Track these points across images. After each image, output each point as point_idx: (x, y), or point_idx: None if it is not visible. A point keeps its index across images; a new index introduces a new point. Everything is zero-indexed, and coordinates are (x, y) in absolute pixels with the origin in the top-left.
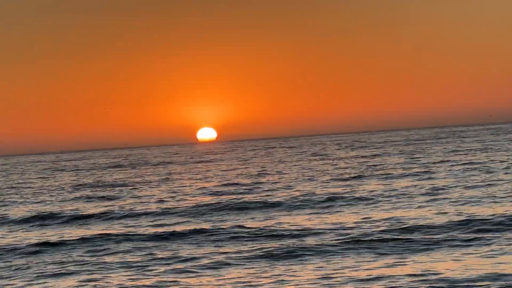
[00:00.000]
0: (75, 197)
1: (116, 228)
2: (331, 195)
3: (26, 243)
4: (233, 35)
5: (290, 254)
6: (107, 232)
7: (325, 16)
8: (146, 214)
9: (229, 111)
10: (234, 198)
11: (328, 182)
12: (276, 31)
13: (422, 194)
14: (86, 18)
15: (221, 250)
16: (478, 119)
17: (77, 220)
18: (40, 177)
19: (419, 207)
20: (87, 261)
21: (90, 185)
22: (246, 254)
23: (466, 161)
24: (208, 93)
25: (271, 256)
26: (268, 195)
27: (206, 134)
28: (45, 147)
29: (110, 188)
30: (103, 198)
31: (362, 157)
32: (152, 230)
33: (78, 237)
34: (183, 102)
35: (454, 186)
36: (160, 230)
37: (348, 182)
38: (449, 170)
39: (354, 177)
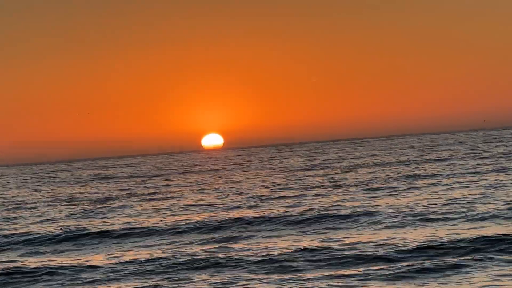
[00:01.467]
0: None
1: None
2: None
3: None
4: (240, 37)
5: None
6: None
7: (336, 18)
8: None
9: (236, 115)
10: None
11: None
12: (286, 34)
13: None
14: (79, 16)
15: None
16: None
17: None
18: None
19: None
20: None
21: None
22: None
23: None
24: (213, 97)
25: None
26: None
27: (212, 140)
28: (39, 157)
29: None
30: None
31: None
32: None
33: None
34: (186, 107)
35: None
36: None
37: None
38: None
39: None
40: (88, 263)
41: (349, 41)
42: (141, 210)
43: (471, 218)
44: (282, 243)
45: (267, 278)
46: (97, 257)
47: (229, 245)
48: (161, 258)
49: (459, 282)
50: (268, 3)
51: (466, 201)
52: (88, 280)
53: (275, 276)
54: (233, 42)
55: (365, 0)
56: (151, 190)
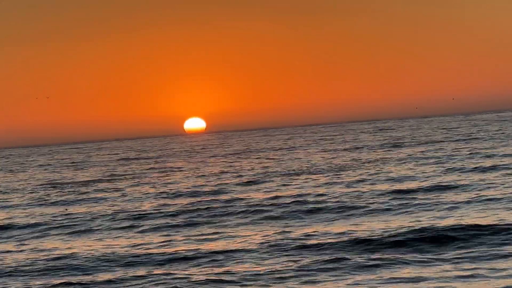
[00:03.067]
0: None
1: None
2: None
3: None
4: (223, 18)
5: None
6: None
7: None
8: None
9: (218, 99)
10: None
11: None
12: (270, 16)
13: None
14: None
15: None
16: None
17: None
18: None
19: None
20: None
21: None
22: None
23: None
24: (196, 80)
25: None
26: None
27: (194, 124)
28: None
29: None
30: None
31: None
32: None
33: None
34: (168, 90)
35: None
36: None
37: None
38: None
39: None
40: None
41: (332, 25)
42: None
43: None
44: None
45: None
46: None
47: None
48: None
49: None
50: None
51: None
52: None
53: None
54: (216, 24)
55: None
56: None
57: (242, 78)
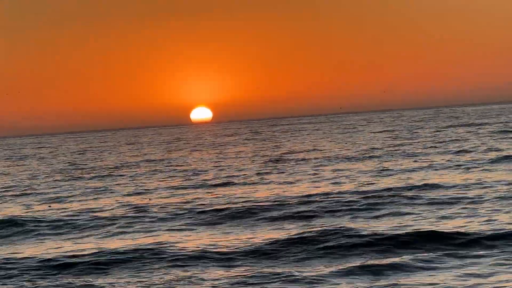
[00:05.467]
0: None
1: None
2: None
3: None
4: (231, 8)
5: None
6: None
7: None
8: None
9: (225, 88)
10: None
11: None
12: (279, 7)
13: None
14: None
15: None
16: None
17: None
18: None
19: None
20: None
21: None
22: None
23: None
24: (202, 69)
25: None
26: None
27: (201, 114)
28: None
29: None
30: None
31: None
32: None
33: None
34: (174, 79)
35: None
36: None
37: None
38: None
39: None
40: None
41: (339, 16)
42: None
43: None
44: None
45: None
46: None
47: None
48: None
49: None
50: None
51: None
52: None
53: None
54: (224, 14)
55: None
56: None
57: (249, 67)
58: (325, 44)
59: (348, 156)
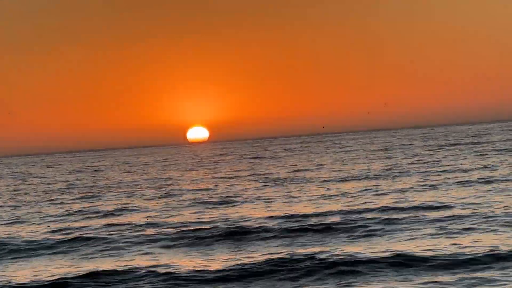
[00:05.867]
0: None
1: None
2: None
3: None
4: (227, 26)
5: None
6: None
7: (319, 11)
8: None
9: (221, 108)
10: None
11: None
12: (272, 28)
13: None
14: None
15: None
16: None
17: None
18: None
19: None
20: None
21: None
22: None
23: None
24: (199, 88)
25: None
26: None
27: (198, 133)
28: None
29: None
30: None
31: None
32: None
33: None
34: (170, 98)
35: None
36: None
37: None
38: None
39: None
40: None
41: (334, 35)
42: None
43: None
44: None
45: None
46: None
47: None
48: None
49: None
50: None
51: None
52: None
53: None
54: (220, 33)
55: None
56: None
57: (245, 87)
58: (317, 64)
59: (338, 177)
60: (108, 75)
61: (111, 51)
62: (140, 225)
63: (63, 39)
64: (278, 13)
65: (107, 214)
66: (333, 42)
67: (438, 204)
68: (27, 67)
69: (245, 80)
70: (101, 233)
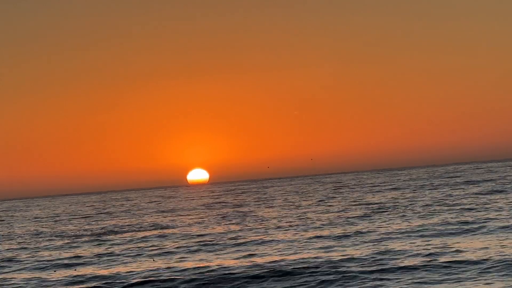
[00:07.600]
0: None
1: None
2: None
3: None
4: (225, 70)
5: None
6: None
7: (321, 54)
8: None
9: (220, 150)
10: None
11: None
12: (271, 70)
13: None
14: (61, 46)
15: None
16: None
17: None
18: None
19: None
20: None
21: None
22: None
23: None
24: (198, 131)
25: None
26: None
27: (198, 175)
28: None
29: None
30: None
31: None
32: None
33: None
34: (171, 141)
35: None
36: None
37: None
38: None
39: None
40: None
41: (328, 74)
42: None
43: None
44: None
45: None
46: None
47: None
48: None
49: None
50: (249, 38)
51: None
52: None
53: None
54: (219, 76)
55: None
56: None
57: (244, 129)
58: (310, 106)
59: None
60: (105, 120)
61: (110, 98)
62: None
63: (63, 79)
64: (270, 58)
65: None
66: (325, 83)
67: None
68: (27, 109)
69: (245, 123)
70: None
